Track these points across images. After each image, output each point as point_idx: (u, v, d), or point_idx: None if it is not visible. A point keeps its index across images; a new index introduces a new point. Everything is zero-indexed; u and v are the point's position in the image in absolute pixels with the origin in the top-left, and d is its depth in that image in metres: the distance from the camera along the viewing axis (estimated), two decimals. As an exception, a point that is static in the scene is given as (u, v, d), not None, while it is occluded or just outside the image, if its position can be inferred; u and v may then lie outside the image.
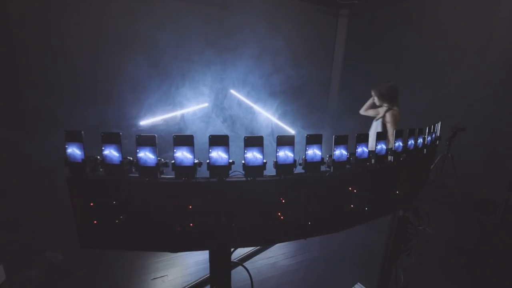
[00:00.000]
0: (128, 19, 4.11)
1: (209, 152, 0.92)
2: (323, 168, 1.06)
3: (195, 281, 2.15)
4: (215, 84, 4.59)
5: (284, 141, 0.97)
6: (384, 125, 2.54)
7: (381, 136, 1.16)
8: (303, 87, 5.48)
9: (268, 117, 4.04)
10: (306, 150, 1.02)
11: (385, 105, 2.54)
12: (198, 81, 4.49)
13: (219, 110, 4.56)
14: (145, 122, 3.88)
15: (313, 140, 1.02)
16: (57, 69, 3.83)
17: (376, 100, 2.61)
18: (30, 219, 2.81)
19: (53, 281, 2.10)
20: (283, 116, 4.01)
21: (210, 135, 0.91)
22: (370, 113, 2.77)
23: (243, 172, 0.97)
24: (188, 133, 2.88)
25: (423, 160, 1.47)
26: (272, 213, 1.01)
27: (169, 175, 0.94)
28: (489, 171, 3.83)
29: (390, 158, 1.22)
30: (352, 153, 1.12)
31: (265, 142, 0.97)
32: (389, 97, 2.50)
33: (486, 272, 2.44)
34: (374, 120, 2.70)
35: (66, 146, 0.88)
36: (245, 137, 0.93)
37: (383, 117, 2.54)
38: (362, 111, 2.85)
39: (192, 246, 1.01)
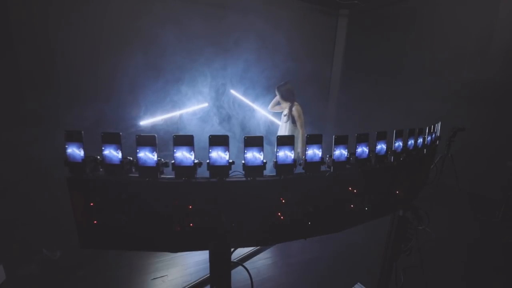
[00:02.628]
0: (127, 18, 4.11)
1: (209, 152, 0.91)
2: (323, 168, 1.06)
3: (195, 281, 2.15)
4: (214, 83, 4.59)
5: (284, 141, 0.97)
6: (293, 120, 2.99)
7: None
8: (302, 86, 5.47)
9: (265, 115, 4.06)
10: (306, 150, 1.02)
11: (288, 102, 3.01)
12: (197, 80, 4.48)
13: (217, 109, 4.56)
14: (145, 122, 3.87)
15: (313, 140, 1.02)
16: (57, 69, 3.82)
17: (279, 99, 3.08)
18: (30, 219, 2.81)
19: (53, 281, 2.10)
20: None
21: (210, 135, 0.91)
22: (277, 109, 3.29)
23: (243, 172, 0.97)
24: (185, 133, 2.88)
25: (423, 160, 1.47)
26: (272, 213, 1.01)
27: (169, 175, 0.94)
28: (489, 171, 3.82)
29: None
30: (352, 153, 1.12)
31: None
32: (288, 96, 2.98)
33: (486, 272, 2.44)
34: (282, 121, 3.15)
35: (66, 146, 0.88)
36: (245, 137, 0.93)
37: (290, 112, 2.98)
38: (269, 108, 3.35)
39: (192, 246, 1.01)
